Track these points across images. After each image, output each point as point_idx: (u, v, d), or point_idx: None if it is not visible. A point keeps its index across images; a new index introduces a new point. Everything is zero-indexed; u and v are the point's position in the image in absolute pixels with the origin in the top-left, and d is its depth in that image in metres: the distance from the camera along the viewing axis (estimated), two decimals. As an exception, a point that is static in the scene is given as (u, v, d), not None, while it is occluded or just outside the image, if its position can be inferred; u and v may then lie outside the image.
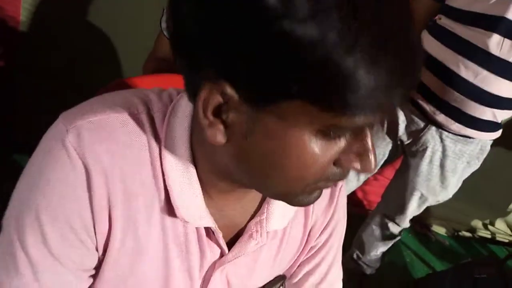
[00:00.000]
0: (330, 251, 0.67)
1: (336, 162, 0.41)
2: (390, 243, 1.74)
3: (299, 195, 0.44)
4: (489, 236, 2.62)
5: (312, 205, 0.61)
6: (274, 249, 0.61)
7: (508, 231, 2.67)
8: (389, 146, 1.42)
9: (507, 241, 2.65)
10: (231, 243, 0.57)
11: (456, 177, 1.40)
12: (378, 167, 1.50)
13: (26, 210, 0.46)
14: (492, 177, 2.36)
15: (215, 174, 0.50)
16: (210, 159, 0.48)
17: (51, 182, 0.45)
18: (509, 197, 2.53)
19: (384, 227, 1.66)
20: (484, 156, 1.37)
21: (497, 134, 1.32)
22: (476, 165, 1.39)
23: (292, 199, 0.46)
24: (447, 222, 2.51)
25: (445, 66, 1.19)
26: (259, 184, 0.46)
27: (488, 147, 1.35)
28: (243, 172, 0.44)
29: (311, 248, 0.65)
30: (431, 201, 1.50)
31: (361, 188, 2.51)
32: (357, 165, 0.41)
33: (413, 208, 1.52)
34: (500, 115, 1.24)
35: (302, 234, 0.63)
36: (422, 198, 1.47)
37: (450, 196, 1.49)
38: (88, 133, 0.45)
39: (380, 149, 1.40)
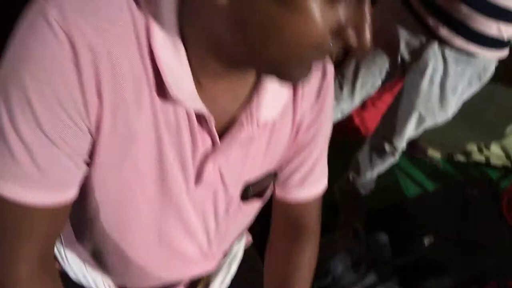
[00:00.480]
0: (315, 148, 0.68)
1: (333, 33, 0.41)
2: (385, 165, 1.75)
3: (293, 67, 0.45)
4: (484, 160, 2.65)
5: (300, 101, 0.61)
6: (264, 142, 0.61)
7: (503, 155, 2.70)
8: (386, 64, 1.37)
9: (501, 165, 2.69)
10: (221, 135, 0.57)
11: (456, 97, 1.37)
12: (376, 86, 1.47)
13: (14, 91, 0.44)
14: (490, 99, 2.35)
15: (207, 52, 0.48)
16: (203, 32, 0.46)
17: (36, 59, 0.43)
18: (506, 120, 2.53)
19: (380, 149, 1.66)
20: (487, 76, 1.33)
21: (502, 52, 1.26)
22: (476, 85, 1.36)
23: (285, 73, 0.47)
24: (443, 146, 2.52)
25: None
26: (254, 54, 0.44)
27: (492, 67, 1.31)
28: (240, 41, 0.43)
29: (301, 143, 0.66)
30: (430, 122, 1.48)
31: (358, 114, 2.50)
32: (353, 38, 0.41)
33: (411, 129, 1.51)
34: (506, 31, 1.19)
35: (291, 130, 0.64)
36: (421, 118, 1.45)
37: (450, 116, 1.47)
38: (71, 8, 0.43)
39: (377, 66, 1.36)
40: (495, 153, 2.67)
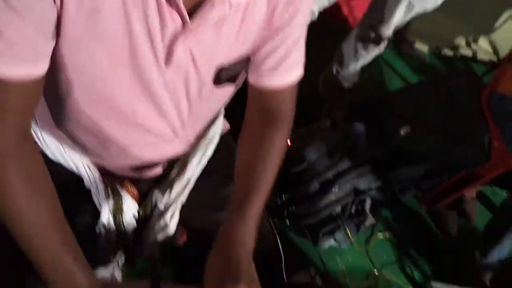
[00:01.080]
0: (291, 34, 0.65)
1: None
2: (370, 57, 1.72)
3: None
4: (471, 54, 2.63)
5: None
6: (237, 23, 0.59)
7: (490, 50, 2.66)
8: None
9: (487, 60, 2.67)
10: (192, 14, 0.55)
11: None
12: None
13: None
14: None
15: None
16: None
17: None
18: (496, 13, 2.45)
19: (366, 38, 1.62)
20: None
21: None
22: None
23: None
24: (431, 38, 2.47)
25: None
26: None
27: None
28: None
29: (275, 27, 0.63)
30: (419, 9, 1.43)
31: (346, 3, 2.39)
32: None
33: (399, 16, 1.46)
34: None
35: (265, 12, 0.61)
36: (410, 5, 1.40)
37: (439, 3, 1.42)
38: None
39: None
40: (483, 47, 2.64)
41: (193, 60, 0.60)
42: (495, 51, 2.66)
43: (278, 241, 0.88)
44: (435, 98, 1.58)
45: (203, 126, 0.79)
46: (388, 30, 1.54)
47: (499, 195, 1.85)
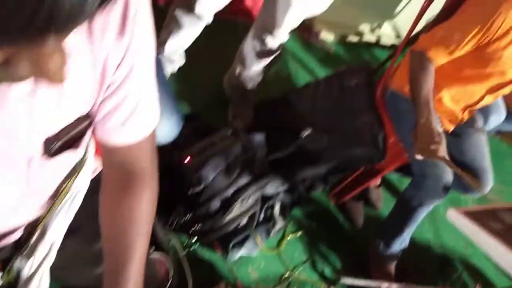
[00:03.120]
0: (132, 89, 0.59)
1: None
2: (270, 57, 1.69)
3: None
4: (375, 40, 2.71)
5: (97, 36, 0.51)
6: (55, 91, 0.52)
7: (393, 34, 2.77)
8: None
9: (390, 44, 2.78)
10: None
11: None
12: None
13: None
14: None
15: None
16: None
17: None
18: (394, 2, 2.53)
19: (263, 41, 1.58)
20: None
21: None
22: None
23: None
24: (336, 27, 2.50)
25: None
26: None
27: None
28: None
29: (111, 84, 0.57)
30: (308, 12, 1.41)
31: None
32: None
33: (290, 20, 1.43)
34: None
35: (93, 69, 0.54)
36: (298, 8, 1.37)
37: (327, 5, 1.41)
38: None
39: None
40: (386, 32, 2.73)
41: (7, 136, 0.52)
42: (398, 35, 2.77)
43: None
44: (331, 97, 1.60)
45: (53, 190, 0.71)
46: (282, 35, 1.52)
47: (404, 181, 1.95)
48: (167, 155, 1.13)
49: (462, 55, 1.31)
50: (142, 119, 0.63)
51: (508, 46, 1.24)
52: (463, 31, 1.24)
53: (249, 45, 1.63)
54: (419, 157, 1.25)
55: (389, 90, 1.56)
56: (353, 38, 2.63)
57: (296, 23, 1.47)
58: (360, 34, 2.64)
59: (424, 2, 1.53)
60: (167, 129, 0.92)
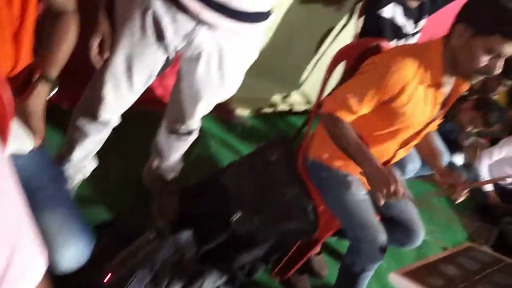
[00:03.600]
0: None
1: None
2: (187, 144, 1.65)
3: None
4: (288, 108, 2.82)
5: None
6: None
7: (303, 101, 2.91)
8: (158, 54, 1.19)
9: (303, 110, 2.90)
10: None
11: (237, 72, 1.31)
12: (154, 75, 1.29)
13: None
14: (284, 53, 2.44)
15: None
16: None
17: None
18: (300, 71, 2.69)
19: (177, 131, 1.54)
20: (257, 44, 1.30)
21: (269, 20, 1.23)
22: (255, 54, 1.31)
23: None
24: (250, 102, 2.57)
25: None
26: None
27: (260, 35, 1.28)
28: None
29: None
30: (218, 100, 1.41)
31: (160, 83, 2.33)
32: None
33: (200, 111, 1.42)
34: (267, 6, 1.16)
35: None
36: (206, 100, 1.37)
37: (236, 90, 1.42)
38: None
39: (150, 58, 1.18)
40: (297, 100, 2.86)
41: None
42: (308, 101, 2.92)
43: None
44: (255, 176, 1.57)
45: None
46: (194, 124, 1.50)
47: (343, 244, 1.93)
48: (83, 278, 0.99)
49: (370, 117, 1.36)
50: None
51: (409, 101, 1.31)
52: (360, 94, 1.30)
53: (163, 136, 1.58)
54: (382, 202, 1.20)
55: (309, 160, 1.58)
56: (268, 110, 2.71)
57: (208, 111, 1.46)
58: (273, 105, 2.73)
59: (327, 69, 1.62)
60: (75, 255, 0.81)
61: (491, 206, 2.93)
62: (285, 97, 2.81)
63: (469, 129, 2.70)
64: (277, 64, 2.48)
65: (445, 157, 2.31)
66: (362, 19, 2.24)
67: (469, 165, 3.09)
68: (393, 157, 1.51)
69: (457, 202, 1.38)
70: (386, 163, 1.53)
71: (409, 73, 1.26)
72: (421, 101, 1.32)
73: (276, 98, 2.76)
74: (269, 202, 1.52)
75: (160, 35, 1.13)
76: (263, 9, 1.15)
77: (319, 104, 1.66)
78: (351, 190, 1.47)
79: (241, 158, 1.70)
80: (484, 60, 1.20)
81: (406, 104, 1.31)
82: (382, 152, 1.48)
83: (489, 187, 3.03)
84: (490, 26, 1.17)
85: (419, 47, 1.35)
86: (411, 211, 1.58)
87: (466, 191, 1.35)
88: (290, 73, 2.69)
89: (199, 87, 1.29)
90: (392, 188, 1.16)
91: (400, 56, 1.28)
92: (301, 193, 1.53)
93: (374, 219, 1.45)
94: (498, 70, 1.23)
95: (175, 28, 1.12)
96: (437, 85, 1.32)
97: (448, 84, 1.36)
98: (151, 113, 2.06)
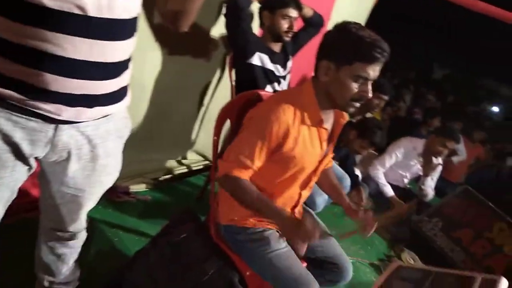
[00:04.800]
0: None
1: None
2: (78, 249, 1.42)
3: None
4: (186, 170, 2.70)
5: None
6: None
7: (200, 158, 2.82)
8: (18, 169, 1.00)
9: (202, 167, 2.81)
10: None
11: (114, 158, 1.17)
12: (16, 192, 1.08)
13: None
14: (167, 116, 2.35)
15: None
16: None
17: None
18: (188, 130, 2.62)
19: (58, 238, 1.31)
20: (129, 119, 1.18)
21: (129, 96, 1.13)
22: (127, 133, 1.20)
23: None
24: (144, 176, 2.40)
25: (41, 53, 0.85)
26: None
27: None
28: None
29: None
30: (102, 191, 1.24)
31: (34, 184, 2.05)
32: None
33: (84, 211, 1.24)
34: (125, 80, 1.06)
35: None
36: (88, 197, 1.19)
37: (119, 171, 1.27)
38: None
39: (3, 179, 0.98)
40: (193, 159, 2.76)
41: None
42: (204, 157, 2.84)
43: None
44: (166, 262, 1.42)
45: None
46: (79, 227, 1.30)
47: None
48: None
49: (267, 167, 1.34)
50: None
51: (295, 145, 1.32)
52: (250, 149, 1.29)
53: (46, 250, 1.34)
54: (303, 251, 1.22)
55: (222, 226, 1.47)
56: (165, 177, 2.55)
57: (94, 204, 1.27)
58: (170, 170, 2.59)
59: (214, 131, 1.55)
60: None
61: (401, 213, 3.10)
62: (180, 160, 2.69)
63: (363, 153, 2.88)
64: (163, 128, 2.37)
65: (347, 181, 2.38)
66: (234, 70, 2.26)
67: (367, 177, 3.27)
68: (299, 199, 1.49)
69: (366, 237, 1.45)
70: (294, 206, 1.50)
71: (288, 118, 1.28)
72: (307, 142, 1.34)
73: (171, 163, 2.63)
74: (191, 286, 1.36)
75: (16, 153, 0.95)
76: (124, 83, 1.05)
77: (215, 167, 1.59)
78: (271, 245, 1.39)
79: (147, 246, 1.51)
80: (355, 87, 1.26)
81: (294, 148, 1.32)
82: (288, 198, 1.45)
83: (390, 193, 3.21)
84: (349, 55, 1.24)
85: (291, 93, 1.40)
86: (334, 247, 1.55)
87: (374, 228, 1.43)
88: (179, 135, 2.60)
89: (76, 186, 1.12)
90: (307, 235, 1.16)
91: (276, 104, 1.29)
92: (223, 265, 1.40)
93: (302, 269, 1.38)
94: (370, 93, 1.28)
95: (31, 140, 0.95)
96: (318, 123, 1.34)
97: (329, 119, 1.41)
98: (30, 220, 1.78)
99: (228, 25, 2.09)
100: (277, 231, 1.45)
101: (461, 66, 10.84)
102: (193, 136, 2.70)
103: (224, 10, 2.12)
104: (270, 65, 2.19)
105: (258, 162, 1.30)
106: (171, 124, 2.42)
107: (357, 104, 1.30)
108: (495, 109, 10.30)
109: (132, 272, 1.46)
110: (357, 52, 1.23)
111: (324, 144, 1.40)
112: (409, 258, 2.64)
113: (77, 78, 0.89)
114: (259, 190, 1.33)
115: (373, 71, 1.25)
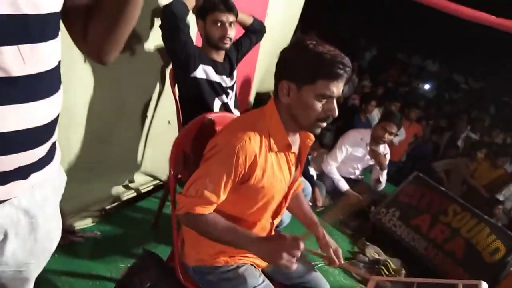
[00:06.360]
0: None
1: None
2: None
3: None
4: (135, 193, 2.50)
5: None
6: None
7: (149, 179, 2.62)
8: None
9: (152, 187, 2.62)
10: None
11: (55, 220, 1.00)
12: None
13: None
14: (108, 141, 2.14)
15: None
16: None
17: None
18: (133, 151, 2.41)
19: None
20: (63, 171, 1.01)
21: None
22: (63, 187, 1.02)
23: None
24: (89, 209, 2.17)
25: None
26: None
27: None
28: None
29: None
30: (46, 257, 1.06)
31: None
32: None
33: (33, 281, 1.05)
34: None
35: None
36: (34, 268, 1.01)
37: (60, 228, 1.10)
38: None
39: None
40: (141, 181, 2.56)
41: None
42: (152, 176, 2.64)
43: None
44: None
45: None
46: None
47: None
48: None
49: (235, 198, 1.22)
50: None
51: (263, 174, 1.21)
52: (214, 182, 1.16)
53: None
54: (294, 267, 1.09)
55: (190, 268, 1.34)
56: (113, 205, 2.33)
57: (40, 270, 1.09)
58: (117, 197, 2.37)
59: (170, 166, 1.39)
60: None
61: (354, 203, 3.12)
62: (127, 184, 2.48)
63: (314, 155, 2.84)
64: (103, 154, 2.15)
65: (308, 189, 2.33)
66: (176, 85, 2.09)
67: (322, 174, 3.25)
68: (271, 228, 1.39)
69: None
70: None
71: (255, 147, 1.17)
72: (276, 169, 1.24)
73: (117, 189, 2.40)
74: None
75: None
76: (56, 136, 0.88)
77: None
78: (248, 283, 1.28)
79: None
80: (319, 106, 1.18)
81: (261, 179, 1.21)
82: (260, 229, 1.35)
83: (345, 187, 3.22)
84: (310, 74, 1.15)
85: (254, 117, 1.26)
86: (312, 272, 1.47)
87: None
88: (123, 158, 2.38)
89: (18, 263, 0.93)
90: (292, 247, 1.07)
91: (240, 131, 1.17)
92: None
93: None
94: (336, 111, 1.20)
95: None
96: (286, 148, 1.25)
97: (296, 141, 1.32)
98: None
99: (166, 37, 1.91)
100: (252, 265, 1.34)
101: (386, 45, 11.30)
102: (139, 157, 2.49)
103: (159, 21, 1.94)
104: (215, 77, 2.05)
105: (223, 196, 1.18)
106: (112, 148, 2.20)
107: (324, 124, 1.22)
108: (426, 86, 10.85)
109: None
110: (319, 70, 1.13)
111: (293, 169, 1.30)
112: (374, 253, 2.65)
113: (8, 154, 0.71)
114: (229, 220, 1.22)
115: (337, 88, 1.17)
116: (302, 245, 1.08)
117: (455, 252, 2.57)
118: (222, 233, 1.17)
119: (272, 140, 1.21)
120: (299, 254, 1.08)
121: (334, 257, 1.45)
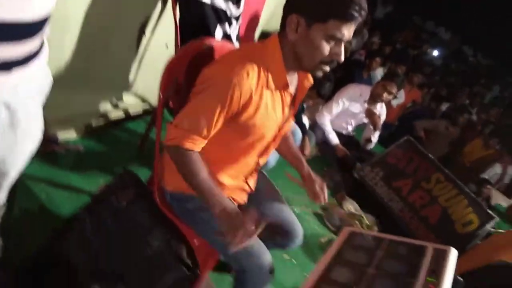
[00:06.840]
0: None
1: None
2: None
3: None
4: (124, 115, 2.45)
5: None
6: None
7: (139, 102, 2.56)
8: None
9: (141, 112, 2.57)
10: None
11: (36, 121, 0.97)
12: None
13: None
14: (100, 55, 2.05)
15: None
16: None
17: None
18: (125, 70, 2.33)
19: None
20: (49, 73, 0.96)
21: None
22: (46, 92, 0.99)
23: None
24: (74, 121, 2.13)
25: None
26: None
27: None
28: None
29: None
30: (26, 155, 1.04)
31: None
32: None
33: (9, 182, 1.03)
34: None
35: None
36: (11, 167, 0.99)
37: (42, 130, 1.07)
38: None
39: None
40: (131, 103, 2.50)
41: None
42: (143, 99, 2.58)
43: None
44: (105, 233, 1.27)
45: None
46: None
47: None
48: None
49: (223, 133, 1.18)
50: None
51: (256, 112, 1.17)
52: (206, 115, 1.12)
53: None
54: (234, 249, 1.07)
55: (168, 193, 1.33)
56: (99, 122, 2.29)
57: (19, 169, 1.07)
58: (104, 115, 2.32)
59: (160, 91, 1.33)
60: None
61: (341, 158, 3.13)
62: (116, 103, 2.42)
63: (310, 103, 2.78)
64: (95, 68, 2.07)
65: (298, 135, 2.30)
66: (178, 6, 1.97)
67: (314, 125, 3.22)
68: (255, 167, 1.37)
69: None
70: (250, 174, 1.38)
71: (252, 83, 1.11)
72: (269, 108, 1.20)
73: (105, 106, 2.35)
74: (133, 261, 1.23)
75: None
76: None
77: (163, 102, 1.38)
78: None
79: (81, 214, 1.33)
80: (327, 49, 1.11)
81: (253, 116, 1.17)
82: (244, 165, 1.33)
83: (335, 140, 3.21)
84: (324, 12, 1.08)
85: (255, 50, 1.19)
86: (287, 213, 1.48)
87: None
88: (115, 75, 2.30)
89: None
90: (239, 235, 1.05)
91: (239, 65, 1.11)
92: (170, 236, 1.28)
93: (254, 239, 1.29)
94: (343, 57, 1.14)
95: None
96: (283, 87, 1.19)
97: (293, 81, 1.26)
98: None
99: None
100: (229, 198, 1.34)
101: (403, 4, 10.92)
102: (131, 76, 2.42)
103: None
104: (221, 3, 1.94)
105: (214, 130, 1.15)
106: (104, 61, 2.11)
107: (327, 68, 1.16)
108: (435, 53, 10.61)
109: (64, 244, 1.29)
110: (333, 9, 1.06)
111: (286, 110, 1.26)
112: (350, 207, 2.69)
113: None
114: (216, 159, 1.20)
115: (348, 31, 1.10)
116: (256, 234, 1.07)
117: (430, 218, 2.63)
118: (198, 182, 1.15)
119: (270, 77, 1.16)
120: (249, 242, 1.07)
121: (319, 192, 1.41)
